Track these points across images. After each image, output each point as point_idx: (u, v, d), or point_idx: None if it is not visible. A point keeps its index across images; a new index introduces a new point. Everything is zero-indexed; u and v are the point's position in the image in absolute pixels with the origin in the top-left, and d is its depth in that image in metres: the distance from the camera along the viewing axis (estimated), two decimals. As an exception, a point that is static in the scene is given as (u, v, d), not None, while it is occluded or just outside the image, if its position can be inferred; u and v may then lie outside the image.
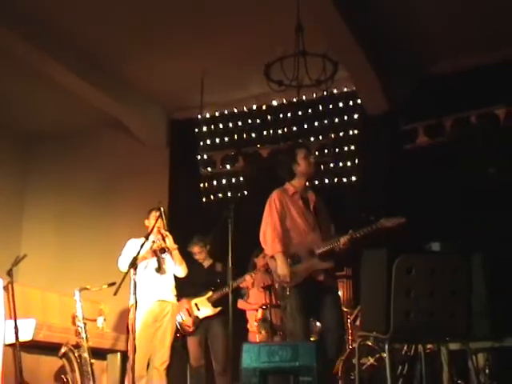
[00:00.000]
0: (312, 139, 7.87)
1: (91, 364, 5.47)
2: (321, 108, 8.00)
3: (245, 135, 8.32)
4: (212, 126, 8.48)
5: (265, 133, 8.23)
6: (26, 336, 5.07)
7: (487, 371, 4.61)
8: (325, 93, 7.28)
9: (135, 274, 5.20)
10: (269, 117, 8.26)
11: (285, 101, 8.10)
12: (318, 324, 5.84)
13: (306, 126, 8.02)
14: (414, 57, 7.22)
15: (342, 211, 6.40)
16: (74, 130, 8.97)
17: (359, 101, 7.75)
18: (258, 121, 8.30)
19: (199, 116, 8.45)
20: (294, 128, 8.08)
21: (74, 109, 8.44)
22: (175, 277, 6.56)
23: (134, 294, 5.15)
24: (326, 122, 7.94)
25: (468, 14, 6.58)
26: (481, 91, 6.94)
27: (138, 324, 5.72)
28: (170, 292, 6.44)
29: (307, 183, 5.27)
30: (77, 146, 9.08)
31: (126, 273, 5.24)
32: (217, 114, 8.48)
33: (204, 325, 6.76)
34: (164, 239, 6.33)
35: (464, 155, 6.85)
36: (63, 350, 5.32)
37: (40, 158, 9.35)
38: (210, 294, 6.78)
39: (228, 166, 8.29)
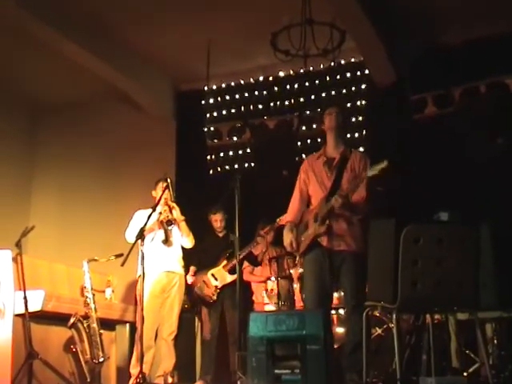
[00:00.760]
0: (319, 110, 7.80)
1: (100, 334, 5.50)
2: (328, 79, 7.93)
3: (251, 107, 8.26)
4: (218, 98, 8.43)
5: (272, 104, 8.17)
6: (35, 306, 5.09)
7: (495, 341, 4.63)
8: (332, 63, 7.20)
9: (142, 245, 5.23)
10: (276, 88, 8.18)
11: (292, 72, 8.03)
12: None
13: (313, 97, 7.95)
14: (422, 26, 7.10)
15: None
16: (81, 103, 8.93)
17: (367, 71, 7.67)
18: (264, 92, 8.23)
19: (206, 88, 8.40)
20: (301, 99, 8.02)
21: (80, 81, 8.38)
22: (184, 248, 6.58)
23: (142, 265, 5.19)
24: (333, 92, 7.88)
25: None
26: (490, 61, 6.86)
27: (146, 295, 5.76)
28: (177, 263, 6.46)
29: (339, 139, 4.94)
30: (84, 118, 9.05)
31: (134, 244, 5.27)
32: (223, 85, 8.42)
33: (221, 295, 6.77)
34: (171, 211, 6.33)
35: (473, 125, 6.79)
36: (72, 320, 5.35)
37: (48, 131, 9.31)
38: (225, 262, 6.81)
39: (235, 138, 8.25)
